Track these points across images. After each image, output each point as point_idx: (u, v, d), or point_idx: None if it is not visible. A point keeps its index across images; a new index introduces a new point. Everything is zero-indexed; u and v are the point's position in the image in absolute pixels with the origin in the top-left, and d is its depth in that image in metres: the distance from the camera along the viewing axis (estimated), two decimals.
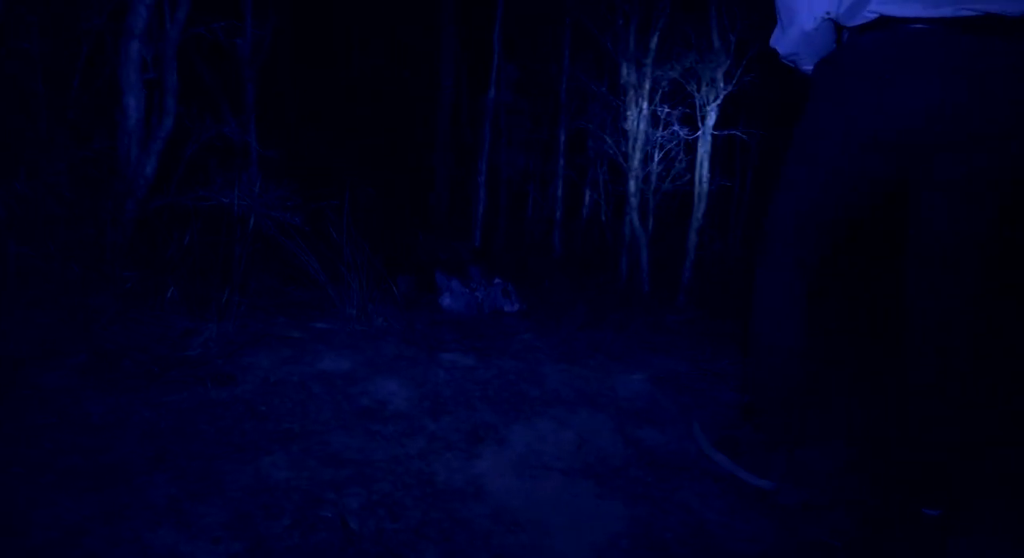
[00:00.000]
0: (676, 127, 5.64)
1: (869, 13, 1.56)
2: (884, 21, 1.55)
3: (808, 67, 1.89)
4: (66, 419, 1.76)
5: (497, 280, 4.40)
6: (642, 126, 5.33)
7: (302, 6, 6.32)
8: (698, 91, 5.24)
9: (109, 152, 2.83)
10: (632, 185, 5.43)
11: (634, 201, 5.47)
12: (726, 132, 5.65)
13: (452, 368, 2.53)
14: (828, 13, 1.67)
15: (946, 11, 1.46)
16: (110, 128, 2.88)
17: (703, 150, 5.28)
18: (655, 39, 5.15)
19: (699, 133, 5.30)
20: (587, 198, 7.56)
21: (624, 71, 5.23)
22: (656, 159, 5.77)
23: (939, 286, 1.64)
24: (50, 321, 2.35)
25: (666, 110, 5.59)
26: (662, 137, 5.69)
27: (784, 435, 1.90)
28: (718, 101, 5.15)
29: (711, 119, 5.22)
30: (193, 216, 2.76)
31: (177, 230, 2.76)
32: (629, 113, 5.34)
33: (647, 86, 5.26)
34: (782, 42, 1.84)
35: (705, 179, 5.31)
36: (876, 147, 1.63)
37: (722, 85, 5.12)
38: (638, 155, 5.39)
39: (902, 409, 1.71)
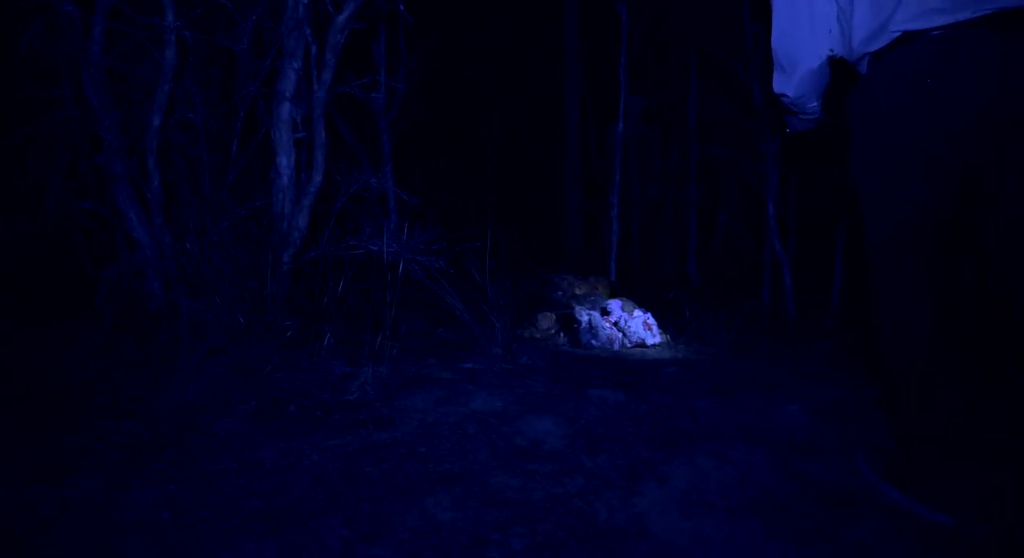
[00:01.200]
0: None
1: (893, 32, 1.60)
2: (908, 36, 1.58)
3: (815, 104, 1.99)
4: (243, 464, 1.86)
5: (637, 312, 4.35)
6: (778, 147, 5.17)
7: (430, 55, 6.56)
8: None
9: (266, 209, 3.01)
10: (772, 208, 5.26)
11: (774, 224, 5.30)
12: None
13: (603, 404, 2.51)
14: (832, 50, 1.76)
15: (966, 14, 1.48)
16: (266, 186, 3.07)
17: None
18: None
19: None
20: (720, 223, 7.38)
21: (757, 92, 5.11)
22: (794, 179, 5.58)
23: None
24: (220, 370, 2.51)
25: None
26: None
27: (946, 460, 1.75)
28: None
29: None
30: (345, 264, 2.89)
31: (331, 279, 2.89)
32: (764, 134, 5.19)
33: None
34: (790, 85, 1.93)
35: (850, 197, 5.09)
36: (927, 154, 1.63)
37: None
38: (775, 177, 5.22)
39: None
